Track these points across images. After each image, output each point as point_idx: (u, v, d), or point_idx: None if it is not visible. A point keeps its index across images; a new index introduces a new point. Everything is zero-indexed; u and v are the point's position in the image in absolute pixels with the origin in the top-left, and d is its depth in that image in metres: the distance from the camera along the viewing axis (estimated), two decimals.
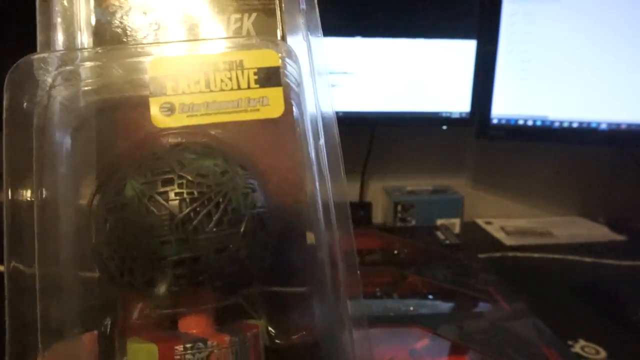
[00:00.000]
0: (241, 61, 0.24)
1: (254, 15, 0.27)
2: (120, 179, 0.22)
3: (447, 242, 0.70)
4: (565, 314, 0.52)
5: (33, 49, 0.23)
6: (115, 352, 0.23)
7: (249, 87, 0.24)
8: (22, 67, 0.22)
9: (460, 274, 0.58)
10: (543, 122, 0.75)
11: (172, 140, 0.24)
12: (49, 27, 0.24)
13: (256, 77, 0.24)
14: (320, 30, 0.28)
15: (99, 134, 0.24)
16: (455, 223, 0.80)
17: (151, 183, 0.21)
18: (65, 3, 0.25)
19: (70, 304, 0.22)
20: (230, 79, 0.23)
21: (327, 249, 0.25)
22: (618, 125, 0.72)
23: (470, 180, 0.91)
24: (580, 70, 0.72)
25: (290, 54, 0.25)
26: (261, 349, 0.24)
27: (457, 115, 0.78)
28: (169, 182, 0.21)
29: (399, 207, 0.80)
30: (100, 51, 0.24)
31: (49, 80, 0.23)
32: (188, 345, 0.21)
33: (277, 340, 0.25)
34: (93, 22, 0.25)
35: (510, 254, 0.69)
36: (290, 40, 0.27)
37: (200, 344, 0.21)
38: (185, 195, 0.21)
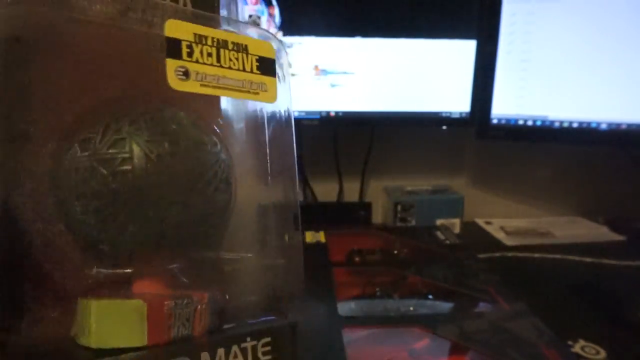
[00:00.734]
0: (246, 46, 0.25)
1: None
2: (110, 130, 0.21)
3: (447, 242, 0.70)
4: (565, 314, 0.51)
5: None
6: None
7: (251, 72, 0.25)
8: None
9: (460, 274, 0.58)
10: (543, 122, 0.75)
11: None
12: None
13: (257, 64, 0.25)
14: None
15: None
16: (455, 223, 0.80)
17: (157, 142, 0.21)
18: None
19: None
20: (237, 59, 0.24)
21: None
22: (618, 125, 0.72)
23: (470, 180, 0.91)
24: (580, 70, 0.72)
25: (280, 51, 0.27)
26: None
27: (457, 115, 0.78)
28: (175, 144, 0.22)
29: (399, 207, 0.80)
30: None
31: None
32: (178, 301, 0.22)
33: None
34: None
35: (510, 254, 0.69)
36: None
37: (187, 300, 0.22)
38: (192, 160, 0.22)
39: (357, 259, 0.62)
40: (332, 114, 0.76)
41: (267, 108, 0.28)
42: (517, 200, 0.91)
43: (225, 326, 0.25)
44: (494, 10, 0.74)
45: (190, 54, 0.23)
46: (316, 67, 0.74)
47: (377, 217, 0.87)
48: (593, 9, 0.71)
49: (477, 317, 0.47)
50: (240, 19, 0.30)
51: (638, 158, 0.82)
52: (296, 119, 0.75)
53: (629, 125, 0.71)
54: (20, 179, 0.21)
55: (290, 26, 0.72)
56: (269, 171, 0.28)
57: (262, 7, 0.70)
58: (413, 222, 0.80)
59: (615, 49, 0.70)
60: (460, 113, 0.78)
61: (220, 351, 0.24)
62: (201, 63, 0.23)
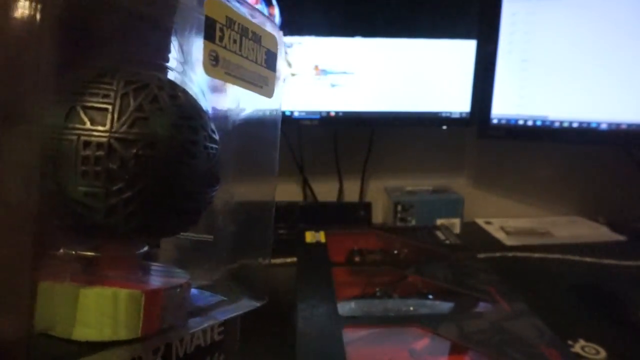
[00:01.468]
0: (260, 37, 0.24)
1: None
2: (130, 105, 0.19)
3: (447, 242, 0.70)
4: (565, 314, 0.51)
5: None
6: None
7: (260, 64, 0.24)
8: None
9: (460, 274, 0.58)
10: (543, 122, 0.75)
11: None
12: None
13: (265, 57, 0.24)
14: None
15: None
16: (455, 223, 0.80)
17: (181, 127, 0.20)
18: None
19: None
20: (253, 50, 0.23)
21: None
22: (618, 125, 0.72)
23: (470, 180, 0.91)
24: (580, 70, 0.72)
25: (281, 45, 0.26)
26: None
27: (457, 115, 0.78)
28: (194, 131, 0.21)
29: (399, 207, 0.80)
30: None
31: None
32: (173, 291, 0.21)
33: None
34: None
35: (510, 254, 0.69)
36: None
37: (180, 288, 0.21)
38: (209, 150, 0.21)
39: (357, 259, 0.62)
40: (332, 114, 0.76)
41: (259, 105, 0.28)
42: (517, 200, 0.91)
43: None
44: (494, 10, 0.74)
45: (221, 38, 0.22)
46: (316, 67, 0.74)
47: (377, 217, 0.87)
48: (593, 9, 0.71)
49: (477, 317, 0.47)
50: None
51: (638, 158, 0.82)
52: (296, 119, 0.75)
53: (629, 125, 0.71)
54: None
55: (290, 26, 0.72)
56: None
57: (262, 7, 0.70)
58: (413, 222, 0.80)
59: (615, 49, 0.70)
60: (460, 113, 0.78)
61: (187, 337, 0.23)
62: (228, 49, 0.22)
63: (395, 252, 0.65)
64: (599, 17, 0.70)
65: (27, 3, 0.15)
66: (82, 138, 0.18)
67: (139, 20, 0.21)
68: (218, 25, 0.21)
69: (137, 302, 0.19)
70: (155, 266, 0.24)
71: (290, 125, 0.76)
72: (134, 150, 0.18)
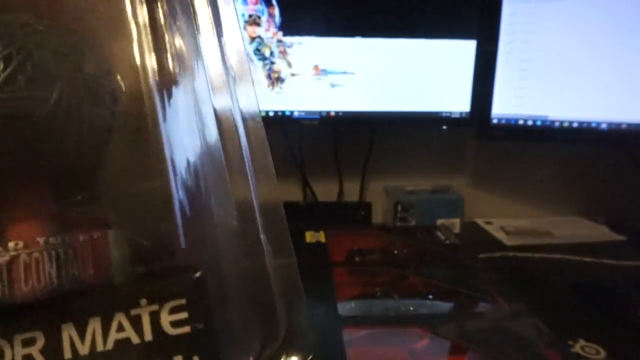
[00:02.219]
0: None
1: None
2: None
3: (447, 242, 0.70)
4: (565, 314, 0.51)
5: None
6: None
7: None
8: None
9: (460, 274, 0.58)
10: (543, 122, 0.75)
11: None
12: None
13: None
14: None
15: None
16: (455, 223, 0.80)
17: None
18: None
19: None
20: None
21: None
22: (618, 125, 0.72)
23: (470, 180, 0.91)
24: (580, 70, 0.72)
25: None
26: (112, 256, 0.19)
27: (457, 115, 0.78)
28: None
29: (399, 207, 0.80)
30: None
31: None
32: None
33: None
34: None
35: (510, 254, 0.69)
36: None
37: None
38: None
39: (357, 259, 0.62)
40: (332, 114, 0.76)
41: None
42: (517, 200, 0.91)
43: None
44: (494, 10, 0.74)
45: None
46: (316, 67, 0.74)
47: (377, 217, 0.87)
48: (593, 9, 0.71)
49: (477, 317, 0.47)
50: None
51: (638, 158, 0.82)
52: (296, 119, 0.75)
53: (629, 125, 0.71)
54: None
55: (290, 26, 0.72)
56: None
57: (262, 7, 0.70)
58: (413, 222, 0.80)
59: (615, 49, 0.70)
60: (460, 113, 0.78)
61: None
62: None
63: (395, 252, 0.65)
64: (599, 17, 0.70)
65: None
66: None
67: None
68: None
69: None
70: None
71: (291, 125, 0.76)
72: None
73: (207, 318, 0.20)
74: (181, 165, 0.22)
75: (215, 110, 0.25)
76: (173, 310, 0.19)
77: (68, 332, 0.17)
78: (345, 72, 0.75)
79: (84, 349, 0.18)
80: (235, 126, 0.26)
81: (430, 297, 0.51)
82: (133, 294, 0.19)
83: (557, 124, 0.75)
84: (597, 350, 0.44)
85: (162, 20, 0.23)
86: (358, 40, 0.74)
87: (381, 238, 0.71)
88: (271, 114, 0.75)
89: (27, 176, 0.18)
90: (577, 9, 0.71)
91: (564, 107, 0.74)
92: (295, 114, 0.75)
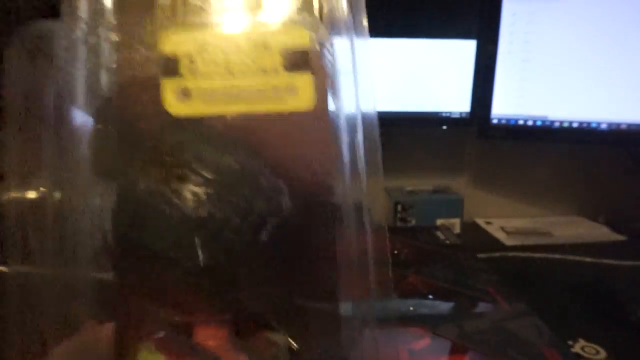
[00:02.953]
0: (265, 40, 0.19)
1: None
2: (133, 166, 0.19)
3: (447, 242, 0.70)
4: (565, 314, 0.51)
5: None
6: (127, 352, 0.20)
7: (275, 72, 0.19)
8: (33, 36, 0.18)
9: (460, 274, 0.58)
10: (543, 122, 0.75)
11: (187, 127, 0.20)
12: None
13: (283, 60, 0.19)
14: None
15: (120, 116, 0.20)
16: (455, 223, 0.80)
17: (165, 179, 0.18)
18: None
19: (84, 302, 0.20)
20: (253, 61, 0.19)
21: (358, 252, 0.22)
22: (618, 125, 0.72)
23: (470, 180, 0.91)
24: (581, 70, 0.72)
25: (324, 34, 0.21)
26: None
27: (457, 115, 0.78)
28: (184, 178, 0.18)
29: (399, 207, 0.80)
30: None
31: (64, 53, 0.19)
32: None
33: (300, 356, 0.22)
34: None
35: (510, 254, 0.69)
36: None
37: None
38: (202, 196, 0.18)
39: None
40: None
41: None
42: (517, 200, 0.91)
43: None
44: (494, 10, 0.74)
45: (191, 69, 0.19)
46: None
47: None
48: (593, 9, 0.71)
49: (477, 317, 0.47)
50: None
51: (638, 158, 0.82)
52: None
53: (629, 125, 0.71)
54: None
55: None
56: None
57: None
58: (413, 222, 0.80)
59: (615, 49, 0.70)
60: (460, 113, 0.78)
61: None
62: (205, 76, 0.19)
63: (395, 252, 0.64)
64: (599, 17, 0.70)
65: None
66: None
67: None
68: (183, 62, 0.18)
69: None
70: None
71: None
72: (122, 208, 0.19)
73: None
74: None
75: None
76: None
77: None
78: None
79: None
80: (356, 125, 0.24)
81: (430, 297, 0.51)
82: None
83: (557, 124, 0.75)
84: (597, 350, 0.44)
85: None
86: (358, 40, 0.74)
87: None
88: None
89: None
90: (578, 9, 0.71)
91: (564, 107, 0.74)
92: None
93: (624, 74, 0.70)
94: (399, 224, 0.80)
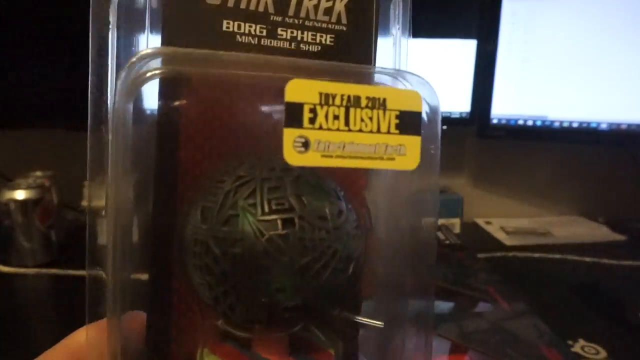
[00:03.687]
0: (384, 100, 0.20)
1: None
2: (228, 203, 0.19)
3: (447, 242, 0.70)
4: (565, 314, 0.51)
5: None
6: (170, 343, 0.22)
7: (388, 132, 0.20)
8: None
9: (460, 274, 0.58)
10: (543, 122, 0.75)
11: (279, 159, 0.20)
12: None
13: (397, 121, 0.20)
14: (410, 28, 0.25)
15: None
16: (455, 223, 0.80)
17: (270, 222, 0.19)
18: None
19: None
20: (371, 118, 0.20)
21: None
22: (618, 125, 0.72)
23: (470, 180, 0.91)
24: (581, 70, 0.72)
25: (432, 96, 0.22)
26: None
27: (457, 115, 0.78)
28: (289, 223, 0.19)
29: None
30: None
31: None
32: None
33: None
34: None
35: (510, 254, 0.69)
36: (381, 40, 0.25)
37: None
38: (307, 242, 0.19)
39: None
40: None
41: None
42: (517, 200, 0.91)
43: None
44: (494, 10, 0.74)
45: (313, 120, 0.18)
46: None
47: None
48: (593, 9, 0.71)
49: (477, 317, 0.47)
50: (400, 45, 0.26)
51: (638, 158, 0.82)
52: None
53: (629, 125, 0.71)
54: None
55: None
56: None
57: None
58: None
59: (615, 49, 0.70)
60: (460, 113, 0.78)
61: None
62: (325, 129, 0.19)
63: None
64: (599, 17, 0.70)
65: None
66: (193, 235, 0.20)
67: None
68: (307, 108, 0.18)
69: None
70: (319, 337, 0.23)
71: None
72: (223, 248, 0.19)
73: None
74: None
75: None
76: None
77: None
78: None
79: None
80: None
81: None
82: None
83: (557, 124, 0.75)
84: (597, 350, 0.44)
85: None
86: None
87: None
88: None
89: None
90: (577, 9, 0.71)
91: (564, 107, 0.74)
92: None
93: (623, 74, 0.70)
94: None
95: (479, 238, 0.77)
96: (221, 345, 0.21)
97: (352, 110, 0.19)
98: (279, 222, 0.19)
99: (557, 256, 0.67)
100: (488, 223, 0.84)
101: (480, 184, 0.91)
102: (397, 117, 0.20)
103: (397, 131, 0.20)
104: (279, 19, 0.21)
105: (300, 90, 0.18)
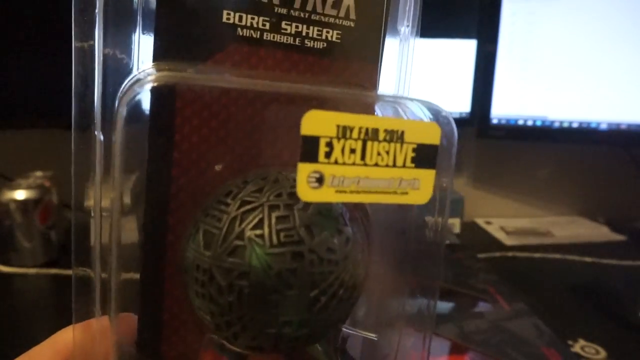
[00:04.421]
0: (402, 132, 0.19)
1: None
2: (234, 231, 0.19)
3: (447, 242, 0.70)
4: (565, 314, 0.51)
5: None
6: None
7: (403, 166, 0.19)
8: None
9: (460, 274, 0.58)
10: (543, 122, 0.75)
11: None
12: None
13: (414, 154, 0.19)
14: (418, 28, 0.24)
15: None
16: (455, 223, 0.80)
17: (279, 255, 0.18)
18: None
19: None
20: (387, 152, 0.19)
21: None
22: (618, 125, 0.72)
23: (470, 180, 0.91)
24: (580, 70, 0.72)
25: (448, 125, 0.22)
26: None
27: (457, 115, 0.78)
28: (299, 256, 0.18)
29: None
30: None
31: None
32: None
33: None
34: None
35: (510, 254, 0.69)
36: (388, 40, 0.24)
37: None
38: (315, 276, 0.18)
39: None
40: None
41: None
42: (517, 200, 0.91)
43: None
44: (494, 10, 0.74)
45: (328, 154, 0.17)
46: None
47: None
48: (593, 9, 0.71)
49: (477, 317, 0.47)
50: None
51: (638, 158, 0.82)
52: None
53: (629, 125, 0.71)
54: None
55: None
56: None
57: None
58: None
59: (615, 49, 0.70)
60: (460, 113, 0.78)
61: None
62: (340, 164, 0.18)
63: None
64: (598, 17, 0.70)
65: None
66: (195, 261, 0.19)
67: None
68: (323, 141, 0.17)
69: None
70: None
71: None
72: (229, 280, 0.18)
73: None
74: None
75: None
76: None
77: None
78: None
79: None
80: None
81: None
82: None
83: (557, 124, 0.75)
84: (597, 350, 0.44)
85: None
86: None
87: None
88: None
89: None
90: (578, 9, 0.71)
91: (564, 107, 0.74)
92: None
93: (623, 74, 0.70)
94: None
95: (479, 238, 0.77)
96: (218, 358, 0.21)
97: (369, 143, 0.18)
98: (288, 255, 0.18)
99: (557, 256, 0.67)
100: (488, 223, 0.84)
101: (480, 184, 0.91)
102: (414, 150, 0.19)
103: (412, 165, 0.19)
104: (284, 11, 0.20)
105: (317, 122, 0.17)
